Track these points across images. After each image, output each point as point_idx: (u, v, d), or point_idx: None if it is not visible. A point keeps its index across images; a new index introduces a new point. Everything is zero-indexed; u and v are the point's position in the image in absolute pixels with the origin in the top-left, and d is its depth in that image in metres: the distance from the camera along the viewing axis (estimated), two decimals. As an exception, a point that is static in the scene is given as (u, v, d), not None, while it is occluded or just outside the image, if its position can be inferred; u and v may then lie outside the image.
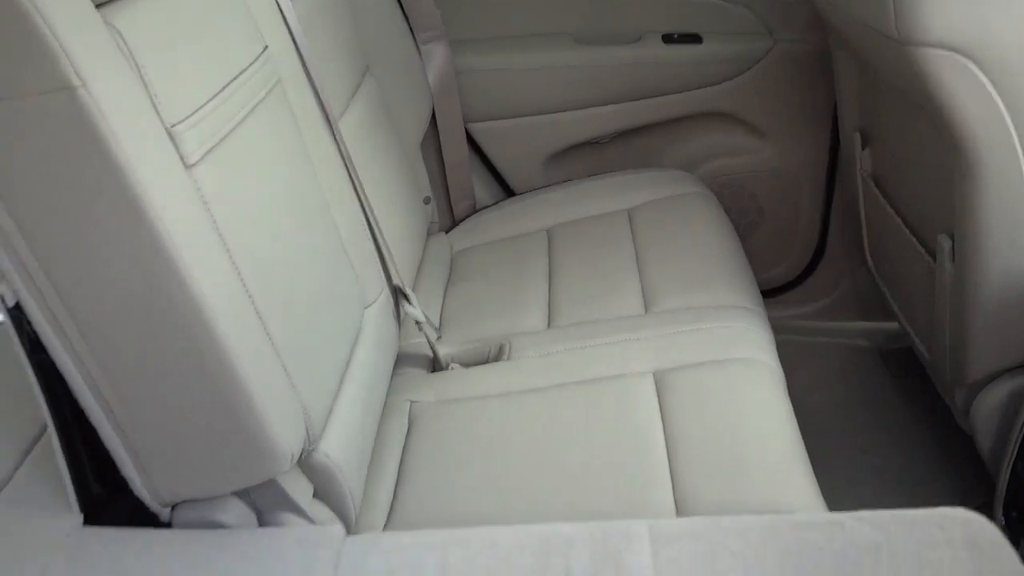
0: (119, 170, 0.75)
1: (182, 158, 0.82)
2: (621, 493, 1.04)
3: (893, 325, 1.95)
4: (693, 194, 1.79)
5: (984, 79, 1.05)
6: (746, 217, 2.02)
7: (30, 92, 0.72)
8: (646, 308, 1.45)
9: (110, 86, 0.75)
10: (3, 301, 0.85)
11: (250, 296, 0.89)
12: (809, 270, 2.08)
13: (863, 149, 1.63)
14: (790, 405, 1.18)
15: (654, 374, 1.25)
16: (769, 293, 2.09)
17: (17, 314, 0.85)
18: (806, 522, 0.84)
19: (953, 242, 1.24)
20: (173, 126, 0.82)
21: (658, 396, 1.20)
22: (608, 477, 1.07)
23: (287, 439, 0.90)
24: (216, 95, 0.90)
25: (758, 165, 1.98)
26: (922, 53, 1.05)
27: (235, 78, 0.96)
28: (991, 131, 1.06)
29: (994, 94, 1.05)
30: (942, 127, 1.12)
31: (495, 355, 1.43)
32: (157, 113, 0.81)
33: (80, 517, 1.00)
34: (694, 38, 1.89)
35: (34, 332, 0.86)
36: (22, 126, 0.74)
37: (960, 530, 0.81)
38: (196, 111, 0.86)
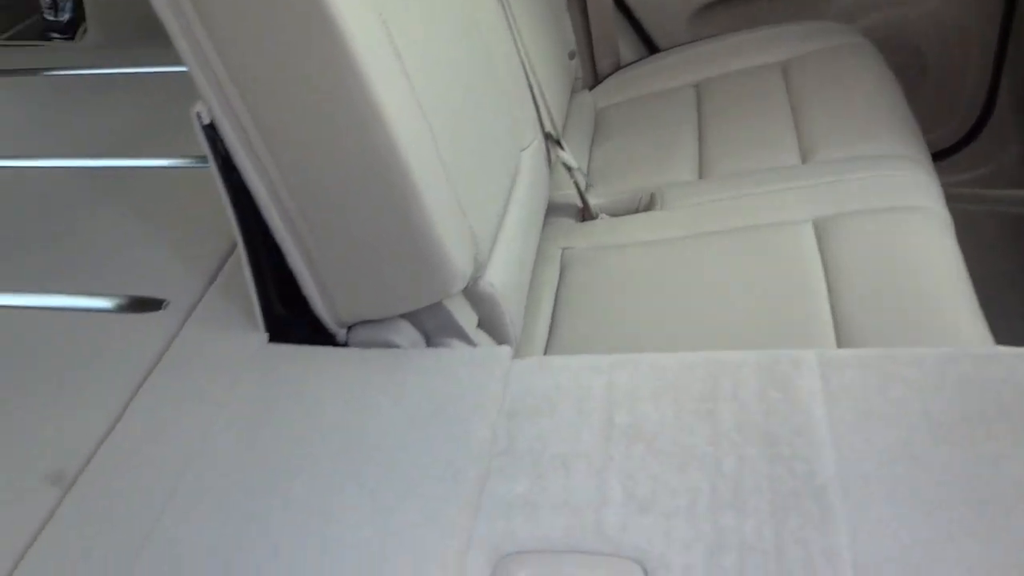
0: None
1: None
2: (781, 329, 1.04)
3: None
4: (851, 45, 1.70)
5: None
6: (908, 73, 1.91)
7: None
8: (803, 159, 1.41)
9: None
10: (199, 119, 0.89)
11: (427, 121, 0.91)
12: (974, 133, 1.97)
13: (1049, -7, 1.51)
14: (959, 252, 1.14)
15: (814, 221, 1.22)
16: (937, 156, 1.98)
17: (212, 133, 0.90)
18: (987, 355, 0.83)
19: None
20: None
21: (818, 242, 1.18)
22: (768, 316, 1.07)
23: (460, 261, 0.93)
24: None
25: (923, 15, 1.85)
26: None
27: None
28: None
29: None
30: None
31: (645, 205, 1.43)
32: None
33: (266, 335, 1.07)
34: None
35: (226, 151, 0.91)
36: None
37: None
38: None
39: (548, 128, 1.40)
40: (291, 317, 1.07)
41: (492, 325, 1.08)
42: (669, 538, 0.73)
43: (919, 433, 0.77)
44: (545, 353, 1.16)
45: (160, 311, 1.15)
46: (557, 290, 1.27)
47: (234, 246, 1.03)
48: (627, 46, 1.98)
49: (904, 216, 1.18)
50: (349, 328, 1.05)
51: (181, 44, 0.85)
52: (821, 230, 1.20)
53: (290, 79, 0.82)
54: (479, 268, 1.03)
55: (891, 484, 0.73)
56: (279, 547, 0.80)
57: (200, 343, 1.09)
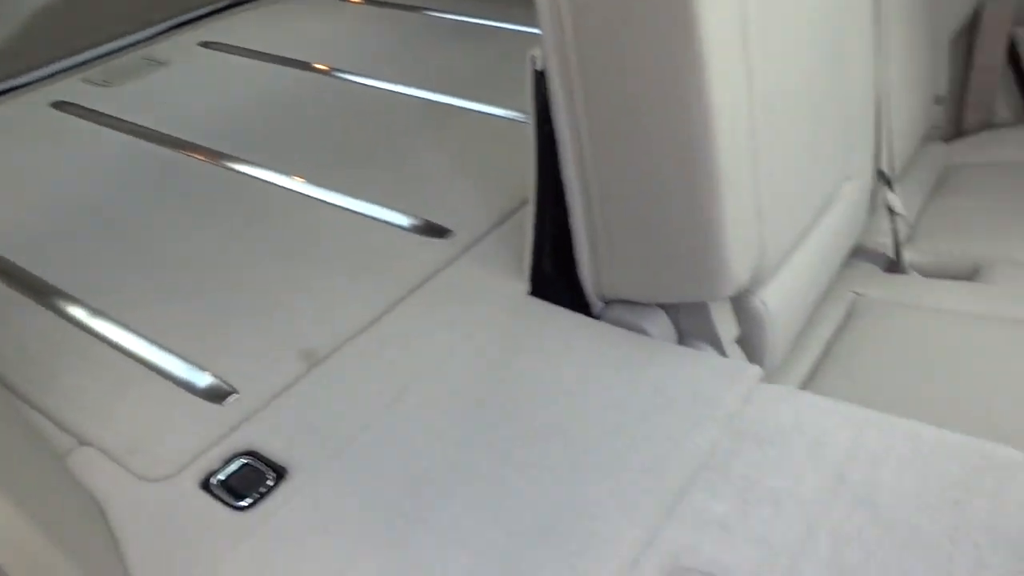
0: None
1: None
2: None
3: None
4: None
5: None
6: None
7: None
8: None
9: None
10: (532, 62, 0.92)
11: (752, 121, 0.87)
12: None
13: None
14: None
15: None
16: None
17: (540, 79, 0.92)
18: None
19: None
20: None
21: None
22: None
23: (738, 266, 0.89)
24: None
25: None
26: None
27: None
28: None
29: None
30: None
31: (967, 274, 1.27)
32: None
33: (528, 286, 1.10)
34: None
35: (546, 101, 0.93)
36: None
37: None
38: None
39: (882, 166, 1.29)
40: (556, 277, 1.08)
41: (751, 344, 1.02)
42: (864, 615, 0.65)
43: None
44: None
45: (444, 239, 1.22)
46: (836, 334, 1.17)
47: (526, 201, 1.06)
48: (1005, 105, 1.78)
49: None
50: (606, 303, 1.04)
51: (542, 3, 0.87)
52: None
53: (630, 48, 0.82)
54: (757, 282, 0.97)
55: None
56: (475, 467, 0.81)
57: (468, 277, 1.14)
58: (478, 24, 2.03)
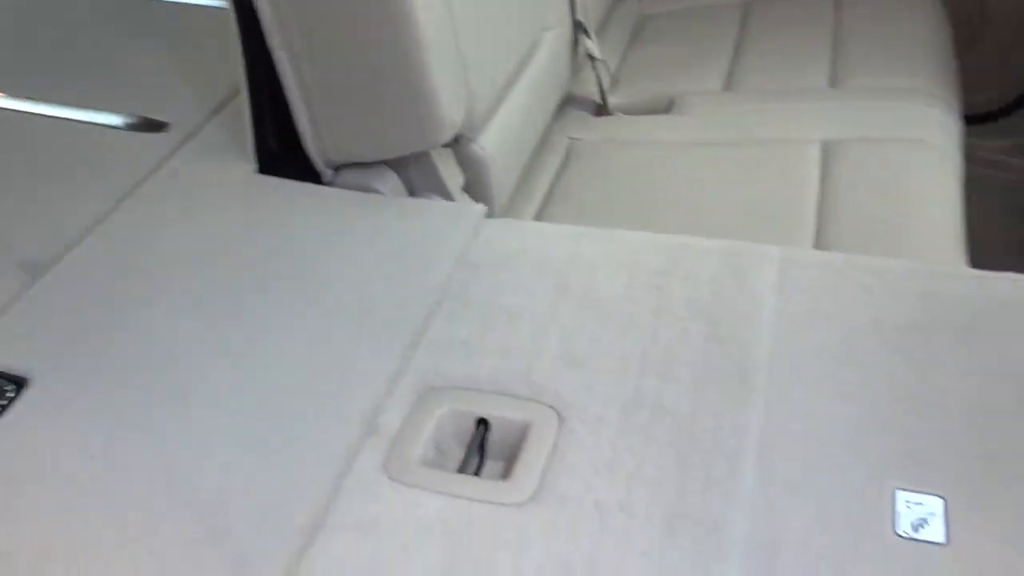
0: None
1: None
2: (763, 234, 1.03)
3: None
4: (913, -15, 1.64)
5: None
6: (967, 28, 1.84)
7: None
8: (831, 84, 1.37)
9: None
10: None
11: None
12: (1021, 100, 1.90)
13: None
14: (960, 192, 1.11)
15: (822, 142, 1.20)
16: (976, 120, 1.92)
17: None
18: (949, 272, 0.82)
19: None
20: None
21: (822, 162, 1.16)
22: (752, 223, 1.07)
23: (450, 112, 0.94)
24: None
25: (993, -31, 1.77)
26: None
27: None
28: None
29: None
30: None
31: (663, 109, 1.41)
32: None
33: (255, 165, 1.09)
34: None
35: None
36: None
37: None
38: None
39: (579, 16, 1.38)
40: (283, 153, 1.09)
41: (478, 189, 1.08)
42: (591, 392, 0.75)
43: (861, 335, 0.77)
44: (531, 227, 1.17)
45: (162, 132, 1.18)
46: (556, 176, 1.27)
47: (242, 87, 1.05)
48: (687, -41, 1.93)
49: (913, 148, 1.16)
50: (336, 170, 1.07)
51: None
52: (828, 151, 1.18)
53: None
54: (473, 129, 1.03)
55: (819, 375, 0.73)
56: (228, 342, 0.83)
57: (192, 167, 1.12)
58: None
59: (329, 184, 1.07)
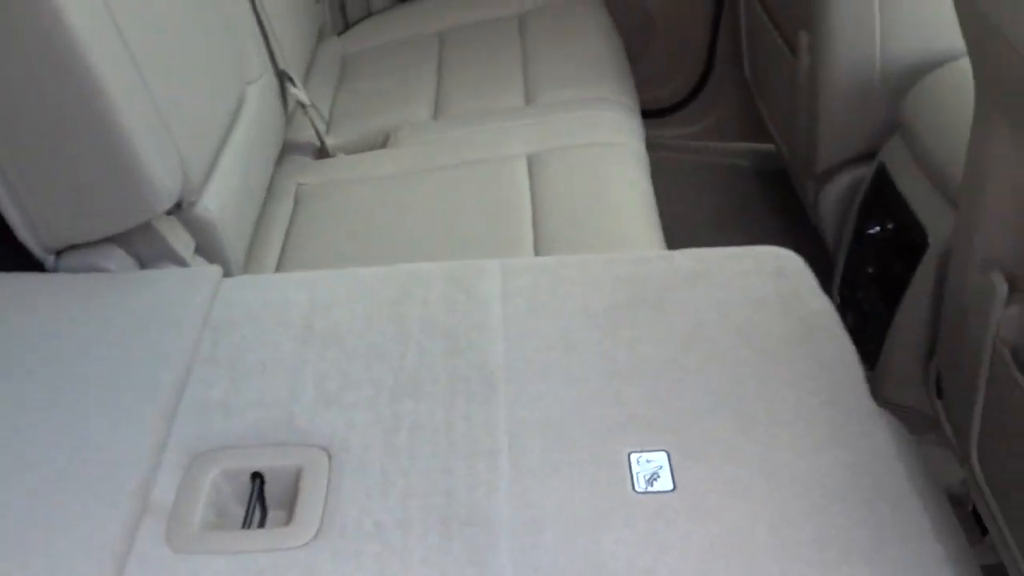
0: None
1: None
2: (487, 249, 1.13)
3: (770, 146, 2.06)
4: (584, 2, 1.82)
5: None
6: (639, 35, 2.06)
7: None
8: (527, 101, 1.51)
9: None
10: None
11: (122, 36, 0.91)
12: (696, 91, 2.15)
13: (744, -41, 1.68)
14: (650, 183, 1.27)
15: (527, 156, 1.32)
16: (658, 113, 2.16)
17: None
18: (640, 257, 0.94)
19: (810, 36, 1.32)
20: None
21: (529, 174, 1.28)
22: (476, 238, 1.16)
23: (163, 180, 0.95)
24: None
25: (649, -22, 2.00)
26: None
27: None
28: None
29: None
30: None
31: (381, 143, 1.48)
32: None
33: (-37, 264, 1.04)
34: None
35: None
36: None
37: (771, 262, 0.92)
38: None
39: (281, 66, 1.42)
40: (-5, 245, 1.04)
41: (211, 251, 1.09)
42: (351, 424, 0.79)
43: (577, 323, 0.87)
44: (272, 280, 1.19)
45: None
46: (289, 223, 1.30)
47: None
48: (378, -8, 2.02)
49: (604, 151, 1.30)
50: (58, 254, 1.04)
51: None
52: (533, 163, 1.30)
53: None
54: (193, 192, 1.04)
55: (548, 365, 0.83)
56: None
57: None
58: None
59: (53, 271, 1.04)
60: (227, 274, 1.11)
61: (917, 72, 1.23)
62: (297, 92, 1.40)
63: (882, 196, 1.26)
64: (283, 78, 1.42)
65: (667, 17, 2.05)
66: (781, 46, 1.49)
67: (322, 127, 1.48)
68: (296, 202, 1.34)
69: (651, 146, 1.46)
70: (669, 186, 1.40)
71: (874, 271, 1.29)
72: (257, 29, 1.36)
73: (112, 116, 0.89)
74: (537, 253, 1.13)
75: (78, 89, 0.87)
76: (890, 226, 1.25)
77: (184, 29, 1.07)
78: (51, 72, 0.86)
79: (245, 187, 1.17)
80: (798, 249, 1.73)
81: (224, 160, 1.13)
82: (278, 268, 1.21)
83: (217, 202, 1.08)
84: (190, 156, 1.01)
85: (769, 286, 0.89)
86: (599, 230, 1.14)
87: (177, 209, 1.04)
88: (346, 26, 1.94)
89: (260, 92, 1.31)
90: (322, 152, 1.48)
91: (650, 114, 2.00)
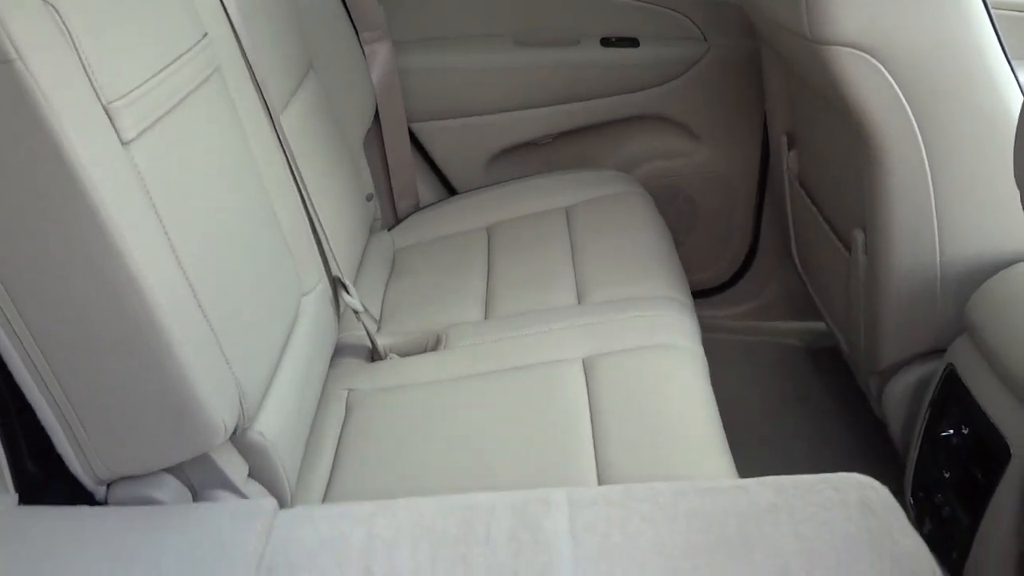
0: (55, 142, 0.78)
1: (118, 134, 0.85)
2: (546, 468, 1.09)
3: (820, 324, 2.03)
4: (629, 193, 1.85)
5: (888, 76, 1.12)
6: (682, 219, 2.09)
7: (-32, 64, 0.75)
8: (579, 299, 1.50)
9: (47, 61, 0.77)
10: (-62, 276, 0.87)
11: (184, 272, 0.92)
12: (742, 271, 2.15)
13: (789, 151, 1.71)
14: (710, 388, 1.24)
15: (583, 360, 1.29)
16: (704, 294, 2.15)
17: (-47, 289, 0.87)
18: (713, 487, 0.89)
19: (865, 235, 1.31)
20: (110, 103, 0.85)
21: (586, 380, 1.25)
22: (534, 454, 1.12)
23: (220, 413, 0.93)
24: (153, 76, 0.93)
25: (693, 167, 2.04)
26: (830, 52, 1.11)
27: (173, 61, 0.99)
28: (894, 125, 1.14)
29: (897, 90, 1.12)
30: (851, 123, 1.19)
31: (432, 345, 1.47)
32: (94, 90, 0.84)
33: (15, 497, 1.01)
34: (631, 42, 1.95)
35: (-30, 307, 0.88)
36: (-39, 99, 0.76)
37: (854, 493, 0.86)
38: (133, 90, 0.89)
39: (335, 272, 1.43)
40: (46, 477, 1.02)
41: (264, 474, 1.06)
42: None
43: (652, 564, 0.82)
44: (325, 498, 1.16)
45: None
46: (340, 433, 1.27)
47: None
48: (425, 187, 2.07)
49: (662, 355, 1.28)
50: (109, 485, 1.01)
51: None
52: (589, 368, 1.27)
53: (28, 228, 0.82)
54: (247, 419, 1.02)
55: (623, 619, 0.77)
56: None
57: (-59, 507, 1.02)
58: None
59: (103, 503, 1.01)
60: (279, 495, 1.08)
61: (980, 272, 1.21)
62: (351, 300, 1.41)
63: (954, 399, 1.21)
64: (337, 284, 1.43)
65: (709, 202, 2.08)
66: (833, 240, 1.49)
67: (373, 328, 1.48)
68: (347, 410, 1.32)
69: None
70: (720, 368, 1.37)
71: (951, 476, 1.23)
72: (312, 237, 1.38)
73: (169, 351, 0.88)
74: (598, 467, 1.09)
75: (136, 325, 0.87)
76: (965, 431, 1.19)
77: (242, 254, 1.08)
78: (108, 305, 0.86)
79: (299, 405, 1.15)
80: (863, 439, 1.68)
81: (279, 381, 1.11)
82: (329, 484, 1.18)
83: (271, 425, 1.06)
84: (246, 384, 1.00)
85: (856, 522, 0.83)
86: (662, 446, 1.10)
87: (231, 435, 1.02)
88: (396, 220, 1.99)
89: (315, 302, 1.31)
90: (374, 354, 1.47)
91: (695, 295, 2.00)
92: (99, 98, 0.84)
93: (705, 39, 1.94)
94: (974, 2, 1.12)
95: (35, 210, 0.81)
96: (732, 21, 1.92)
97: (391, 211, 2.01)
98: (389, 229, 1.94)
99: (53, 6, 0.81)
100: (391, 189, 2.00)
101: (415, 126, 2.00)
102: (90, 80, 0.83)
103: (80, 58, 0.83)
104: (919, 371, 1.33)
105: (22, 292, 0.86)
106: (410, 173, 2.00)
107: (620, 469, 1.07)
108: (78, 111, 0.80)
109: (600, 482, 1.06)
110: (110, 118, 0.85)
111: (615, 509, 0.88)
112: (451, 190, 2.08)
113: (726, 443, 1.13)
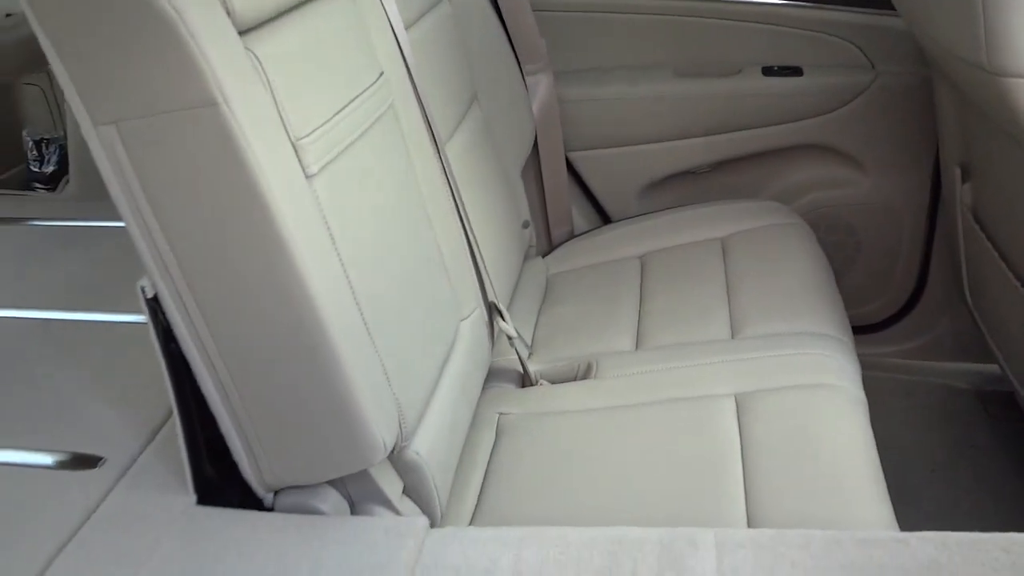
0: (252, 177, 0.85)
1: (303, 169, 0.92)
2: (694, 505, 1.08)
3: (993, 367, 1.91)
4: (787, 225, 1.81)
5: (1076, 112, 1.05)
6: (843, 251, 2.02)
7: (182, 106, 0.83)
8: (733, 333, 1.48)
9: (247, 104, 0.85)
10: (143, 293, 0.95)
11: (355, 297, 0.98)
12: (908, 308, 2.06)
13: (964, 184, 1.62)
14: (871, 432, 1.19)
15: (736, 396, 1.28)
16: (866, 329, 2.07)
17: (154, 305, 0.96)
18: (870, 539, 0.86)
19: (1051, 280, 1.23)
20: (298, 140, 0.92)
21: (738, 417, 1.23)
22: (683, 489, 1.11)
23: (382, 432, 0.98)
24: (336, 114, 1.01)
25: (857, 198, 1.97)
26: (1010, 84, 1.06)
27: (354, 99, 1.06)
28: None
29: (1086, 127, 1.05)
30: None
31: (583, 373, 1.48)
32: (285, 129, 0.91)
33: (194, 497, 1.10)
34: (795, 71, 1.91)
35: (167, 322, 0.97)
36: (172, 137, 0.85)
37: (1026, 556, 0.81)
38: (318, 128, 0.96)
39: (491, 298, 1.47)
40: (221, 481, 1.10)
41: (417, 492, 1.11)
42: None
43: (802, 618, 0.80)
44: (472, 520, 1.19)
45: (96, 468, 1.18)
46: (490, 456, 1.30)
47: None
48: (580, 215, 2.10)
49: (820, 394, 1.24)
50: (276, 493, 1.08)
51: (131, 224, 0.92)
52: (742, 405, 1.25)
53: (223, 254, 0.90)
54: (405, 437, 1.07)
55: (771, 670, 0.76)
56: None
57: (130, 503, 1.12)
58: (83, 227, 1.99)
59: (270, 508, 1.08)
60: (430, 513, 1.12)
61: None
62: (506, 327, 1.44)
63: None
64: (493, 310, 1.47)
65: (873, 234, 2.01)
66: (1010, 279, 1.40)
67: (525, 353, 1.51)
68: (498, 434, 1.35)
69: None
70: (880, 409, 1.31)
71: None
72: (471, 263, 1.42)
73: (338, 372, 0.94)
74: (748, 507, 1.07)
75: (312, 346, 0.93)
76: None
77: (406, 279, 1.13)
78: (289, 326, 0.92)
79: (453, 427, 1.19)
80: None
81: (435, 403, 1.16)
82: (478, 506, 1.21)
83: (426, 445, 1.10)
84: (406, 404, 1.05)
85: (1027, 588, 0.78)
86: (817, 491, 1.07)
87: (389, 452, 1.07)
88: (551, 247, 2.02)
89: (471, 327, 1.35)
90: (525, 380, 1.50)
91: (856, 330, 1.92)
92: (288, 136, 0.91)
93: (873, 66, 1.88)
94: None
95: (230, 238, 0.88)
96: (901, 48, 1.85)
97: (546, 238, 2.04)
98: (544, 256, 1.97)
99: (253, 52, 0.89)
100: (547, 217, 2.03)
101: (572, 155, 2.03)
102: (282, 119, 0.90)
103: (274, 99, 0.90)
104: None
105: (214, 311, 0.93)
106: (566, 201, 2.03)
107: (771, 511, 1.05)
108: (271, 148, 0.87)
109: (750, 523, 1.04)
110: (297, 154, 0.92)
111: (765, 554, 0.87)
112: (606, 218, 2.10)
113: (886, 491, 1.08)
